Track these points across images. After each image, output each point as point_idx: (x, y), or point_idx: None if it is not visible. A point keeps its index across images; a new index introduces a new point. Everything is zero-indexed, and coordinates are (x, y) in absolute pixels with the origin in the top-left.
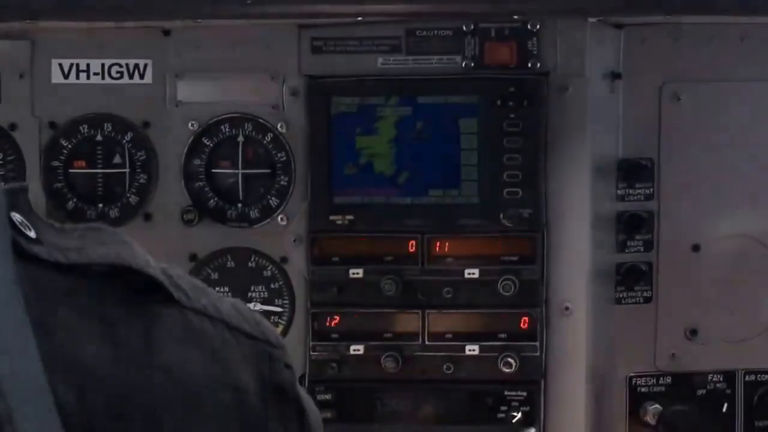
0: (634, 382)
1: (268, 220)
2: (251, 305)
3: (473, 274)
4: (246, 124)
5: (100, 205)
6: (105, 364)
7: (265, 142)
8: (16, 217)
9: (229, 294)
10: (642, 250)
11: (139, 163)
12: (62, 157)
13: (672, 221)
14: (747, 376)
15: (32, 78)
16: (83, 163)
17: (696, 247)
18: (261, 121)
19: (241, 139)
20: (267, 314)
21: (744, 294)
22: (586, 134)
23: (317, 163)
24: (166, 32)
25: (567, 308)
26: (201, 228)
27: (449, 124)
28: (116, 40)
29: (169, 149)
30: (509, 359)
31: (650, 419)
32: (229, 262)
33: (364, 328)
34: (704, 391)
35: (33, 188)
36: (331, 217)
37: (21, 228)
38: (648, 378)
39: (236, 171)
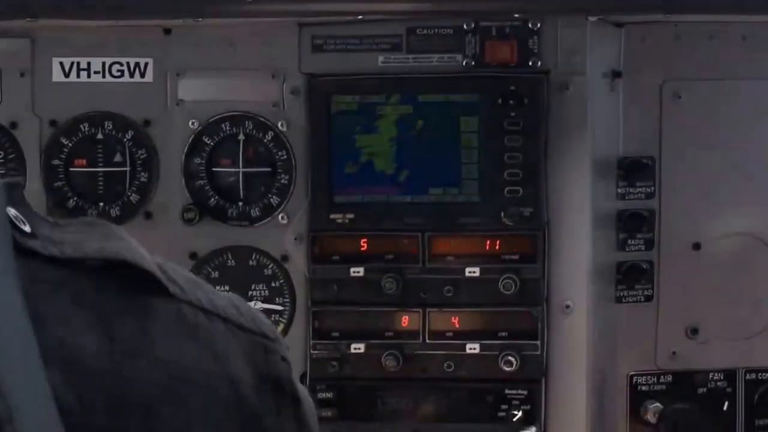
0: (634, 380)
1: (269, 218)
2: (252, 304)
3: (474, 272)
4: (246, 123)
5: (101, 204)
6: (100, 358)
7: (265, 140)
8: (11, 211)
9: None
10: (643, 248)
11: (139, 162)
12: (63, 156)
13: (673, 220)
14: (748, 375)
15: (33, 76)
16: (84, 162)
17: (697, 246)
18: (261, 119)
19: (241, 137)
20: (268, 313)
21: (745, 292)
22: (587, 133)
23: (318, 161)
24: (167, 31)
25: (568, 307)
26: (201, 226)
27: (450, 122)
28: (117, 38)
29: (170, 148)
30: (510, 358)
31: (651, 418)
32: (229, 261)
33: (364, 327)
34: (705, 389)
35: (34, 187)
36: (332, 216)
37: (16, 222)
38: (649, 376)
39: (237, 169)
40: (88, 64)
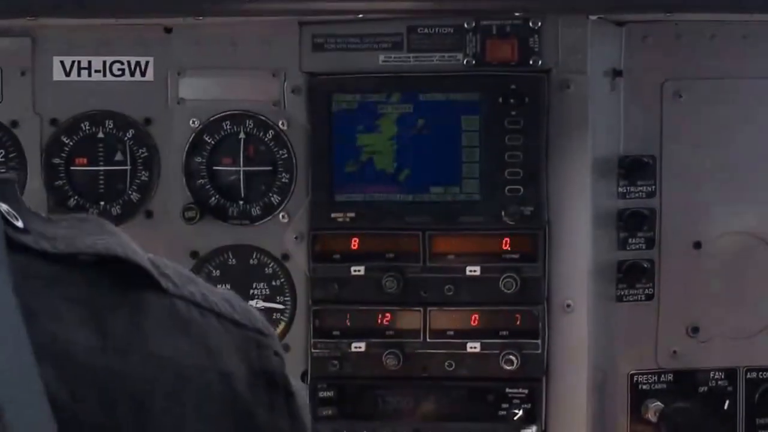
0: (635, 379)
1: (270, 217)
2: (253, 302)
3: (474, 271)
4: (247, 122)
5: (102, 203)
6: (93, 353)
7: (266, 139)
8: (3, 207)
9: (238, 295)
10: (643, 247)
11: (140, 161)
12: (64, 155)
13: (673, 218)
14: (748, 374)
15: (34, 75)
16: (85, 161)
17: (697, 245)
18: (262, 118)
19: (242, 136)
20: (269, 311)
21: (745, 291)
22: (588, 131)
23: (318, 160)
24: (168, 30)
25: (568, 306)
26: (202, 225)
27: (450, 121)
28: (118, 37)
29: (171, 146)
30: (511, 356)
31: (652, 416)
32: (230, 260)
33: (365, 326)
34: (706, 388)
35: (35, 185)
36: (333, 215)
37: (8, 218)
38: (649, 375)
39: (237, 168)
40: (89, 62)
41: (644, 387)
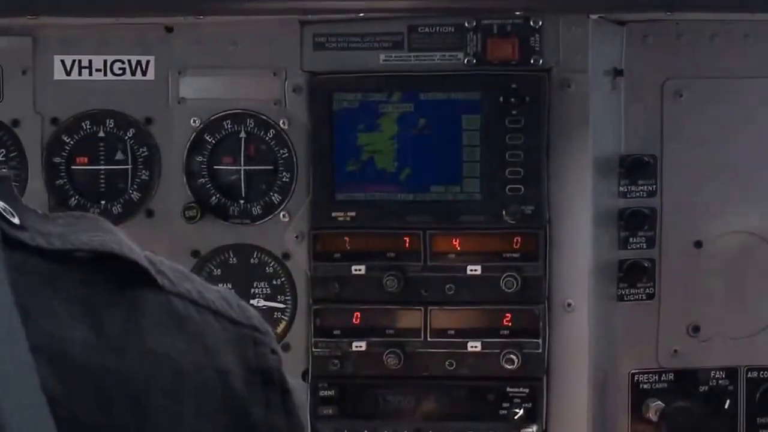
0: (636, 378)
1: (270, 216)
2: (254, 301)
3: (475, 270)
4: (248, 121)
5: (103, 202)
6: (89, 351)
7: (267, 138)
8: None
9: (232, 291)
10: (644, 246)
11: (141, 160)
12: (64, 154)
13: (674, 218)
14: (749, 373)
15: (34, 74)
16: (85, 160)
17: (698, 244)
18: (263, 117)
19: (243, 135)
20: (269, 310)
21: (746, 290)
22: (589, 131)
23: (319, 159)
24: (169, 29)
25: (569, 305)
26: (203, 224)
27: (451, 120)
28: (118, 36)
29: (172, 146)
30: (511, 356)
31: (652, 416)
32: (231, 259)
33: (366, 325)
34: (706, 387)
35: (35, 185)
36: (333, 214)
37: (4, 214)
38: (650, 375)
39: (238, 167)
40: (90, 62)
41: (645, 386)
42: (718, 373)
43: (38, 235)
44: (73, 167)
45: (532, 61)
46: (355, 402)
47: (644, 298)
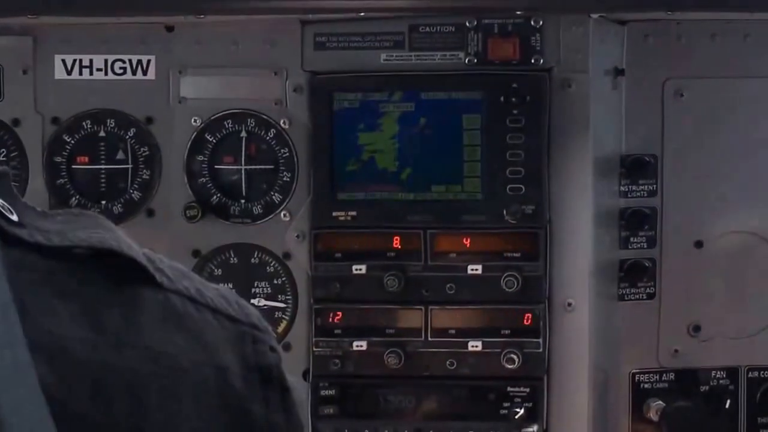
0: (636, 378)
1: (271, 216)
2: (254, 301)
3: (476, 270)
4: (249, 120)
5: (103, 201)
6: (87, 348)
7: (267, 138)
8: None
9: (233, 290)
10: (645, 246)
11: (142, 159)
12: (65, 153)
13: (675, 217)
14: (750, 373)
15: (35, 74)
16: (86, 159)
17: (699, 244)
18: (264, 117)
19: (243, 135)
20: (270, 310)
21: (747, 290)
22: (589, 130)
23: (320, 159)
24: (169, 28)
25: (570, 304)
26: (204, 224)
27: (452, 120)
28: (119, 35)
29: (172, 145)
30: (512, 355)
31: (653, 415)
32: (232, 259)
33: (366, 324)
34: (707, 387)
35: (36, 184)
36: (334, 213)
37: (2, 211)
38: (651, 374)
39: (239, 167)
40: (91, 61)
41: (646, 386)
42: (718, 372)
43: (37, 232)
44: (73, 167)
45: (532, 61)
46: (355, 401)
47: (645, 297)
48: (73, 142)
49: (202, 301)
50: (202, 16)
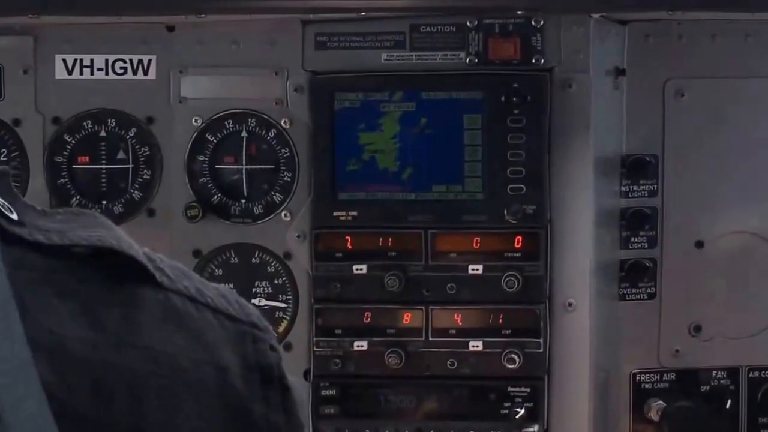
0: (637, 378)
1: (272, 216)
2: (255, 301)
3: (477, 270)
4: (249, 120)
5: (104, 201)
6: (87, 347)
7: (268, 137)
8: None
9: (234, 290)
10: (646, 246)
11: (142, 159)
12: (66, 153)
13: (675, 218)
14: (751, 373)
15: (36, 74)
16: (87, 159)
17: (699, 244)
18: (264, 116)
19: (244, 135)
20: (271, 310)
21: (747, 290)
22: (590, 130)
23: (321, 158)
24: (170, 28)
25: (570, 304)
26: (204, 224)
27: (453, 120)
28: (120, 35)
29: (173, 145)
30: (513, 355)
31: (654, 415)
32: (232, 258)
33: (367, 324)
34: (708, 387)
35: (37, 184)
36: (335, 213)
37: (2, 210)
38: (652, 374)
39: (240, 167)
40: (91, 61)
41: (646, 386)
42: (719, 373)
43: (37, 230)
44: (74, 167)
45: (533, 61)
46: (356, 401)
47: (645, 297)
48: (73, 142)
49: (203, 300)
50: (202, 15)
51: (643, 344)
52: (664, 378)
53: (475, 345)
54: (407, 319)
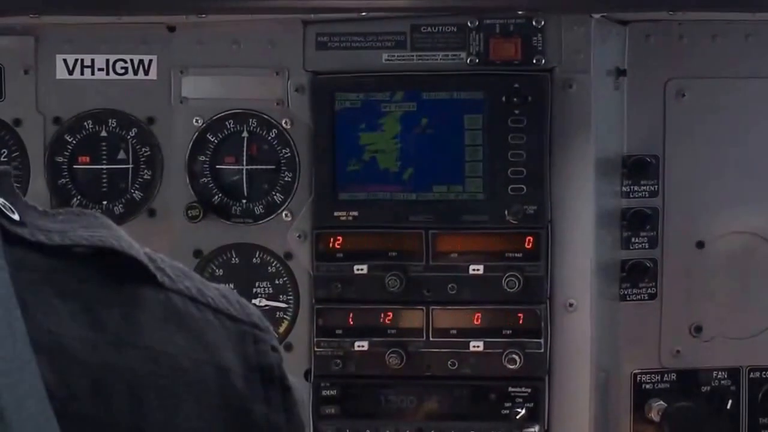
0: (638, 378)
1: (273, 216)
2: (256, 301)
3: (477, 270)
4: (250, 120)
5: (105, 201)
6: (87, 346)
7: (269, 138)
8: None
9: (234, 290)
10: (646, 246)
11: (143, 159)
12: (67, 153)
13: (676, 218)
14: (751, 373)
15: (36, 74)
16: (88, 159)
17: (700, 244)
18: (265, 117)
19: (245, 135)
20: (272, 310)
21: (748, 291)
22: (591, 131)
23: (321, 159)
24: (171, 28)
25: (571, 305)
26: (205, 224)
27: (454, 120)
28: (121, 35)
29: (174, 145)
30: (513, 355)
31: (654, 416)
32: (233, 259)
33: (368, 324)
34: (709, 387)
35: (37, 184)
36: (336, 213)
37: (4, 210)
38: (652, 375)
39: (241, 167)
40: (92, 61)
41: (647, 386)
42: (720, 373)
43: (38, 231)
44: (75, 167)
45: (534, 61)
46: (357, 401)
47: (646, 298)
48: (74, 142)
49: (203, 300)
50: (203, 15)
51: (643, 344)
52: (664, 378)
53: (476, 345)
54: (408, 319)
